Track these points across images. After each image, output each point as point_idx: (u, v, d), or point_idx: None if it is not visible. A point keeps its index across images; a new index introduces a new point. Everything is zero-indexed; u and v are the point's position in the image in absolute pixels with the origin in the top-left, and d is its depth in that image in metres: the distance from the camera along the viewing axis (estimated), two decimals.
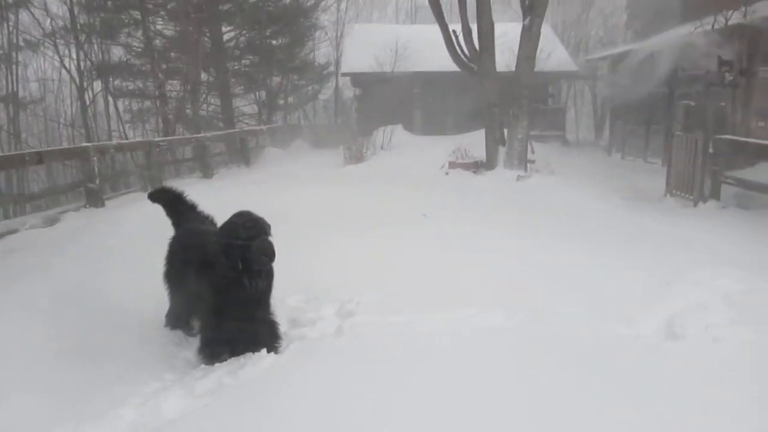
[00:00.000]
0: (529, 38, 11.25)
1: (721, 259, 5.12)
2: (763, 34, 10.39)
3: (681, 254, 5.49)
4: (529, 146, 12.06)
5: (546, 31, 14.92)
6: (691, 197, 8.54)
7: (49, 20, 19.07)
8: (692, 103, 9.41)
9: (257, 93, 23.80)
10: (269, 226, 3.58)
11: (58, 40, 19.22)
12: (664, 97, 15.34)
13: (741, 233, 6.45)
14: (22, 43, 19.55)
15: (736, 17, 10.81)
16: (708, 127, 8.41)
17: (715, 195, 8.36)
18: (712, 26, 11.30)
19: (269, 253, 3.48)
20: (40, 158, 8.87)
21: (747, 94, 10.58)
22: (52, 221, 8.00)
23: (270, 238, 3.50)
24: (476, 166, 12.01)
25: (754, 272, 4.67)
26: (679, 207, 8.58)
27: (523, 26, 11.37)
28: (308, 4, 23.95)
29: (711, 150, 8.31)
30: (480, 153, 12.33)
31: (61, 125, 22.91)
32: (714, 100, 9.52)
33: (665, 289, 4.38)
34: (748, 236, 6.29)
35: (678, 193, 9.03)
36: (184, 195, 4.48)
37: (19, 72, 20.76)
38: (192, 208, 4.45)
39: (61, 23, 19.36)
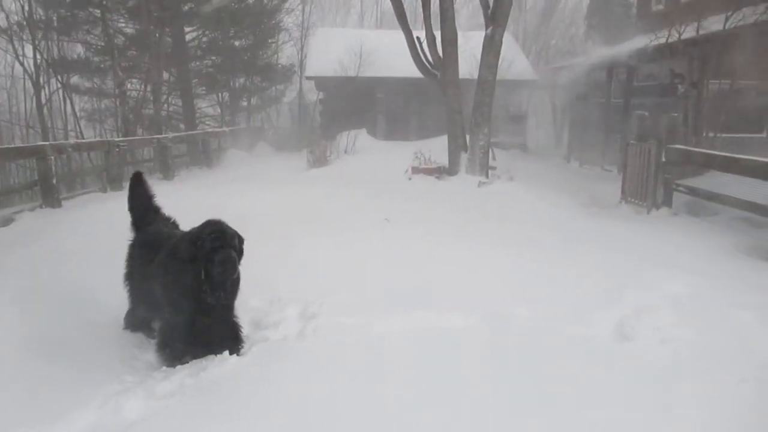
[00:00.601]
0: (491, 47, 11.46)
1: (671, 264, 5.34)
2: (712, 49, 10.83)
3: (634, 259, 5.69)
4: (490, 153, 12.27)
5: (508, 40, 15.21)
6: (645, 204, 8.84)
7: (3, 15, 18.49)
8: (646, 114, 9.74)
9: (220, 94, 23.56)
10: (240, 239, 3.58)
11: (13, 36, 18.65)
12: (620, 107, 15.81)
13: (690, 239, 6.72)
14: None
15: (688, 32, 11.25)
16: (661, 136, 8.73)
17: (668, 202, 8.67)
18: (666, 40, 11.74)
19: (228, 268, 3.47)
20: None
21: (697, 106, 11.01)
22: (6, 221, 7.80)
23: (233, 253, 3.47)
24: (439, 172, 12.15)
25: (701, 277, 4.89)
26: (633, 214, 8.87)
27: (486, 35, 11.58)
28: (272, 4, 23.84)
29: (663, 159, 8.63)
30: (443, 159, 12.49)
31: (14, 124, 22.24)
32: (666, 111, 9.88)
33: (618, 293, 4.53)
34: (697, 242, 6.56)
35: (632, 200, 9.33)
36: (154, 198, 4.45)
37: None
38: (156, 210, 4.42)
39: (15, 18, 18.82)
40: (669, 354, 3.46)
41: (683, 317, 3.93)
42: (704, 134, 10.59)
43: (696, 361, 3.38)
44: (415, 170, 12.31)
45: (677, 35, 11.43)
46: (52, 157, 9.20)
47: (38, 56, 18.60)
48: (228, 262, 3.43)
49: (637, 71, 14.94)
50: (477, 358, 3.45)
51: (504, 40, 11.85)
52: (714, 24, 10.93)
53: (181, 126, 20.56)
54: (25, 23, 18.20)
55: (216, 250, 3.41)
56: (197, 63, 22.10)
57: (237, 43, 22.77)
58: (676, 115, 9.46)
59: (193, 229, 3.56)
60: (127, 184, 4.55)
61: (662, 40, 11.92)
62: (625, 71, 15.54)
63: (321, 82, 22.38)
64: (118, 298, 4.18)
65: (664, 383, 3.14)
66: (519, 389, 3.09)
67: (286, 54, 27.86)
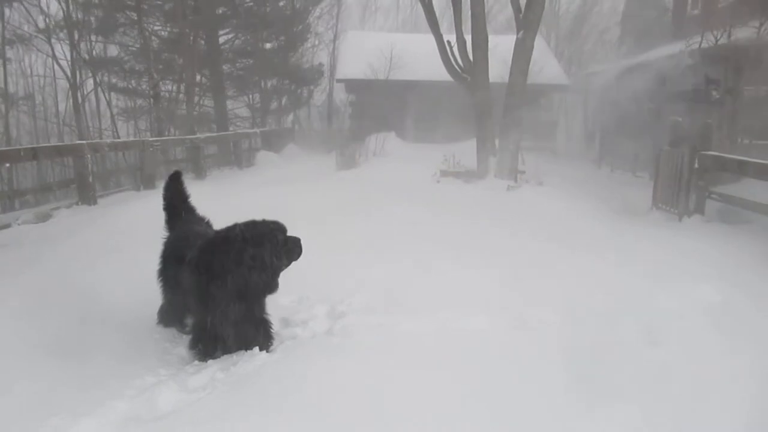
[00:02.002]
0: (523, 51, 11.44)
1: (702, 271, 5.27)
2: (748, 55, 10.63)
3: (664, 265, 5.63)
4: (519, 157, 12.22)
5: (539, 44, 15.14)
6: (677, 211, 8.71)
7: (43, 16, 19.01)
8: (679, 120, 9.59)
9: (251, 96, 23.85)
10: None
11: (52, 37, 19.16)
12: (652, 112, 15.58)
13: (723, 247, 6.60)
14: (13, 38, 19.47)
15: (723, 38, 11.06)
16: (694, 143, 8.60)
17: (700, 209, 8.52)
18: (699, 45, 11.56)
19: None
20: (35, 154, 8.91)
21: (732, 112, 10.81)
22: (44, 217, 8.04)
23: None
24: (467, 175, 12.14)
25: (733, 284, 4.81)
26: (664, 220, 8.74)
27: (517, 39, 11.56)
28: (303, 7, 24.03)
29: (696, 165, 8.49)
30: (471, 162, 12.48)
31: (51, 122, 22.80)
32: (700, 117, 9.72)
33: (646, 298, 4.51)
34: (730, 250, 6.44)
35: (664, 206, 9.20)
36: (189, 198, 4.55)
37: (9, 68, 20.64)
38: (190, 210, 4.52)
39: (53, 21, 19.30)
40: (697, 360, 3.43)
41: (713, 324, 3.90)
42: (739, 141, 10.40)
43: (725, 368, 3.35)
44: (444, 173, 12.32)
45: (713, 41, 11.25)
46: (89, 156, 9.45)
47: (75, 56, 19.05)
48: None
49: (671, 76, 14.72)
50: (503, 359, 3.47)
51: (536, 44, 11.81)
52: (750, 29, 10.73)
53: (213, 126, 20.87)
54: (63, 24, 18.67)
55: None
56: (229, 65, 22.42)
57: (268, 46, 23.03)
58: (710, 121, 9.27)
59: (257, 222, 3.66)
60: (160, 183, 4.65)
61: (697, 46, 11.75)
62: (659, 76, 15.32)
63: (351, 85, 22.53)
64: (151, 294, 4.28)
65: (692, 389, 3.12)
66: (544, 392, 3.10)
67: (317, 56, 28.06)
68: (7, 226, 7.52)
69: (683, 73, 13.31)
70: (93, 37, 19.73)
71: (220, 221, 4.08)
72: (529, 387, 3.14)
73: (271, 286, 3.72)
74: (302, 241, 3.80)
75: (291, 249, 3.73)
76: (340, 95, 26.16)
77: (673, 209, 8.87)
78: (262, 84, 23.21)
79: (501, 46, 14.37)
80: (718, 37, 11.16)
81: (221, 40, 21.35)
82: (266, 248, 3.56)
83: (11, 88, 20.78)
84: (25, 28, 19.66)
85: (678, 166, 8.81)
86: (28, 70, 24.41)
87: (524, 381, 3.20)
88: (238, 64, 22.93)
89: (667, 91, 14.93)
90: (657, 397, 3.07)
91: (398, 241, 6.52)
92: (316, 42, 27.09)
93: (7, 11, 18.52)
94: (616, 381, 3.21)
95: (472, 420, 2.84)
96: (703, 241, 6.95)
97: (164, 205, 4.46)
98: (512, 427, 2.80)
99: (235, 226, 3.61)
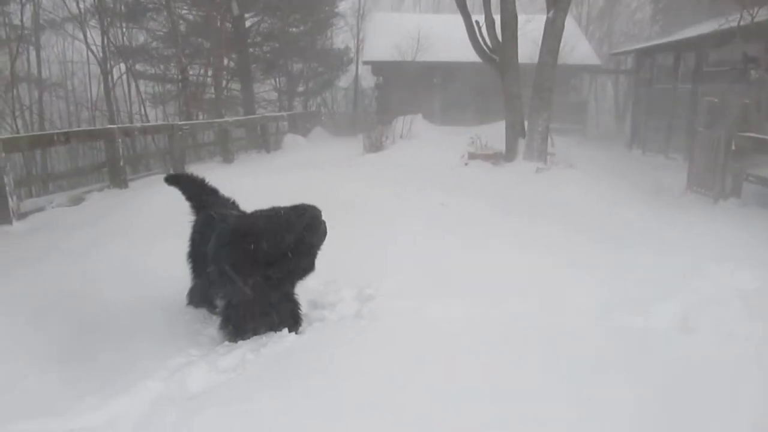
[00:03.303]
0: (553, 31, 11.20)
1: (738, 256, 5.13)
2: None
3: (698, 250, 5.50)
4: (549, 139, 12.03)
5: (570, 24, 14.84)
6: (712, 194, 8.51)
7: (75, 2, 19.21)
8: (715, 100, 9.33)
9: (277, 79, 23.87)
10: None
11: (83, 23, 19.40)
12: (687, 92, 15.19)
13: (759, 231, 6.43)
14: (44, 23, 19.75)
15: (762, 14, 10.66)
16: (731, 124, 8.36)
17: (736, 193, 8.31)
18: (738, 22, 11.16)
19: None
20: (67, 138, 9.04)
21: None
22: (77, 200, 8.20)
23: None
24: (496, 158, 12.00)
25: None
26: (699, 204, 8.55)
27: (547, 19, 11.32)
28: None
29: (733, 147, 8.26)
30: (500, 144, 12.32)
31: (83, 107, 23.12)
32: (738, 97, 9.43)
33: (681, 284, 4.41)
34: (766, 235, 6.28)
35: (698, 189, 9.00)
36: (205, 181, 4.56)
37: (42, 54, 20.94)
38: (213, 192, 4.54)
39: (83, 6, 19.50)
40: (735, 348, 3.34)
41: (750, 311, 3.80)
42: None
43: (761, 355, 3.26)
44: (472, 156, 12.20)
45: (750, 17, 10.85)
46: (120, 140, 9.57)
47: (106, 42, 19.26)
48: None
49: (706, 55, 14.30)
50: (534, 345, 3.43)
51: (566, 23, 11.55)
52: None
53: (240, 110, 20.97)
54: (94, 10, 18.88)
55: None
56: (256, 49, 22.45)
57: (294, 30, 22.98)
58: (748, 101, 8.98)
59: (279, 218, 3.62)
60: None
61: (734, 23, 11.34)
62: (694, 55, 14.90)
63: (378, 67, 22.42)
64: (183, 275, 4.33)
65: (729, 378, 3.04)
66: (575, 381, 3.05)
67: (343, 38, 27.93)
68: (41, 209, 7.67)
69: (719, 52, 12.92)
70: (123, 24, 19.91)
71: (248, 205, 4.10)
72: (562, 377, 3.09)
73: (312, 268, 3.77)
74: (327, 224, 3.78)
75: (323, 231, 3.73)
76: (367, 77, 26.05)
77: (708, 192, 8.67)
78: (289, 67, 23.20)
79: (530, 25, 14.13)
80: (756, 14, 10.75)
81: (248, 23, 21.36)
82: (311, 232, 3.57)
83: (44, 74, 21.09)
84: (57, 13, 19.94)
85: (714, 148, 8.59)
86: (60, 56, 24.81)
87: (556, 371, 3.14)
88: (264, 48, 22.95)
89: (702, 71, 14.53)
90: (688, 384, 2.99)
91: (426, 225, 6.49)
92: (342, 24, 26.94)
93: None
94: (649, 367, 3.15)
95: (499, 418, 2.79)
96: (739, 226, 6.78)
97: (185, 197, 4.50)
98: (541, 422, 2.76)
99: (278, 209, 3.61)
